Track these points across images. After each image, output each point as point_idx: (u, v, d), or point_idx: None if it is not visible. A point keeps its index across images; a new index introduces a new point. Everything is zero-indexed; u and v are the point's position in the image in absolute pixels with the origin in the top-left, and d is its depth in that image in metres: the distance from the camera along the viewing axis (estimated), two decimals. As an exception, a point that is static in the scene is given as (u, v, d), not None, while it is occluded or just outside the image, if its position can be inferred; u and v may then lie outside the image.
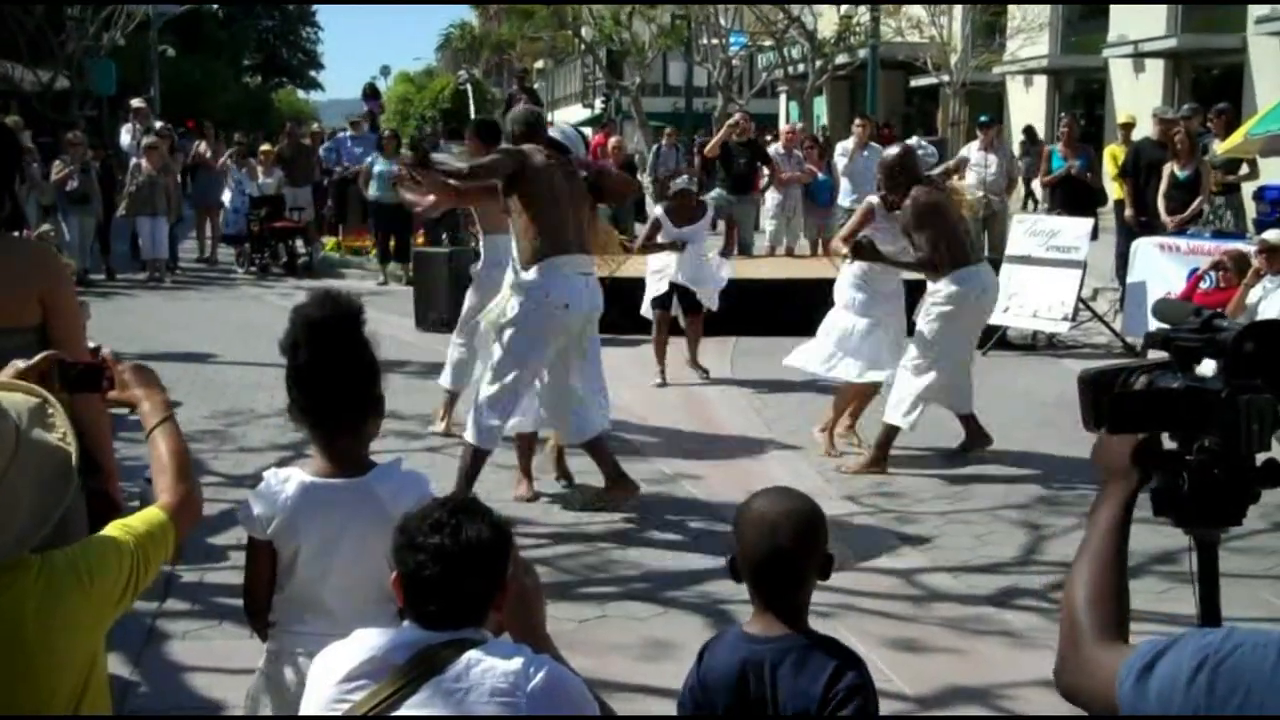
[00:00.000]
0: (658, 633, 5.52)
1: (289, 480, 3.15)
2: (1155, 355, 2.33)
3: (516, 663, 2.31)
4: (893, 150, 8.72)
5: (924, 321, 8.14)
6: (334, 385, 3.14)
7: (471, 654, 2.31)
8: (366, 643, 2.38)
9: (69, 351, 3.04)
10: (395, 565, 2.42)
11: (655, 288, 11.02)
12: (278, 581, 3.19)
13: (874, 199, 9.16)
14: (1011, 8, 29.64)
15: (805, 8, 34.56)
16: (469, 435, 7.24)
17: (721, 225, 11.92)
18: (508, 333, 7.05)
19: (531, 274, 6.97)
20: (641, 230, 11.98)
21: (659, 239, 10.93)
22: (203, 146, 20.57)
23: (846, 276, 8.54)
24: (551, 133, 7.48)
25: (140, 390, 2.81)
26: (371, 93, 24.31)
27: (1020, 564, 6.58)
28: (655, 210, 11.03)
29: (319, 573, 3.13)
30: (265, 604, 3.22)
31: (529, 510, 7.31)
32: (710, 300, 11.02)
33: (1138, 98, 23.87)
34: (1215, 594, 2.40)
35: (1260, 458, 2.09)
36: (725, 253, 11.60)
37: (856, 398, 8.62)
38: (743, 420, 9.71)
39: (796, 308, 11.05)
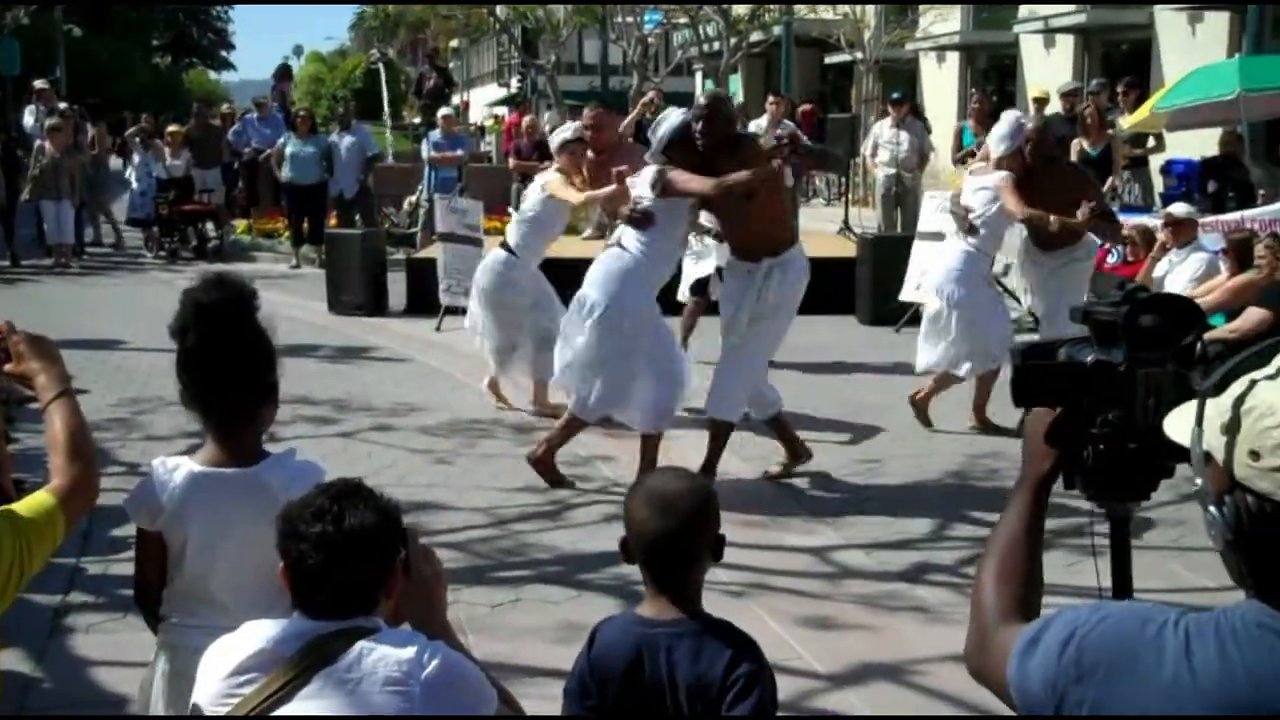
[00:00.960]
0: (571, 616, 5.50)
1: (177, 470, 3.07)
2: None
3: (410, 651, 2.27)
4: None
5: None
6: (224, 371, 3.04)
7: (363, 643, 2.27)
8: (256, 634, 2.34)
9: None
10: (280, 555, 2.37)
11: (694, 271, 10.41)
12: (168, 574, 3.12)
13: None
14: (924, -16, 29.79)
15: (719, -15, 34.54)
16: (751, 412, 7.59)
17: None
18: (787, 308, 7.36)
19: (798, 252, 7.36)
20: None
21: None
22: (90, 132, 20.17)
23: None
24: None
25: (37, 363, 2.70)
26: (283, 74, 24.02)
27: (932, 540, 6.63)
28: None
29: (208, 564, 3.05)
30: (156, 597, 3.14)
31: (441, 494, 7.26)
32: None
33: (1049, 73, 24.09)
34: (1126, 568, 2.42)
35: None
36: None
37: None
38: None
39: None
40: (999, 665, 1.92)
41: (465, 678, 2.34)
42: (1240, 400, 1.73)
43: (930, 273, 12.05)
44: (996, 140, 8.43)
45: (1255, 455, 1.69)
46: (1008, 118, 8.60)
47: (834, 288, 12.94)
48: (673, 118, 7.28)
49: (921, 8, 29.57)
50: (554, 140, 9.06)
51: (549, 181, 8.67)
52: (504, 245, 8.97)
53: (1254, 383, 1.74)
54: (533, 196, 8.89)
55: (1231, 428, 1.72)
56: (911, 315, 12.25)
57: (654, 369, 7.19)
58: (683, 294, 10.51)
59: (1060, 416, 2.20)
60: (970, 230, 8.39)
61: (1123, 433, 2.18)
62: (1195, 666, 1.69)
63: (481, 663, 2.46)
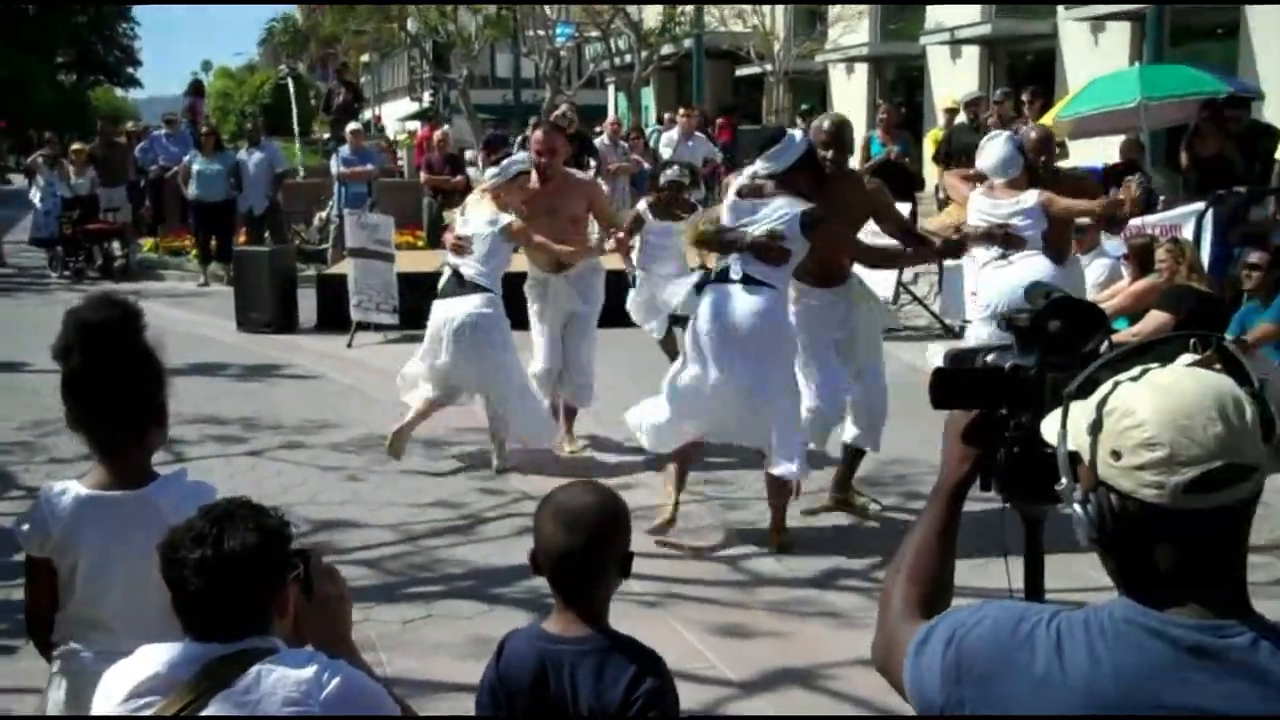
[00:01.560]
0: (484, 630, 5.46)
1: (64, 494, 3.02)
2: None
3: (309, 671, 2.25)
4: None
5: None
6: (109, 392, 3.00)
7: (261, 664, 2.25)
8: (151, 659, 2.31)
9: None
10: (164, 579, 2.34)
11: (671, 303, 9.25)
12: (60, 599, 3.06)
13: (642, 205, 9.40)
14: (831, -4, 30.12)
15: (630, -2, 34.67)
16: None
17: None
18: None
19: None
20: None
21: (638, 237, 9.45)
22: None
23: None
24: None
25: None
26: (196, 89, 23.76)
27: (842, 546, 6.67)
28: (640, 204, 9.82)
29: (100, 589, 3.00)
30: (48, 623, 3.09)
31: (353, 511, 7.20)
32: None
33: (956, 84, 24.41)
34: (1039, 570, 2.46)
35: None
36: None
37: None
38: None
39: (619, 300, 11.06)
40: (898, 663, 1.96)
41: (366, 696, 2.32)
42: (1103, 402, 1.79)
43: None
44: (998, 167, 7.62)
45: (1117, 455, 1.74)
46: (1000, 143, 7.74)
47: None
48: (799, 142, 6.51)
49: (830, 20, 29.83)
50: (507, 169, 8.05)
51: (513, 225, 7.92)
52: (472, 284, 7.92)
53: (1117, 384, 1.80)
54: (484, 233, 7.94)
55: (1095, 428, 1.78)
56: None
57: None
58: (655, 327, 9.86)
59: (976, 419, 2.24)
60: (1012, 244, 7.63)
61: (1034, 436, 2.23)
62: (1065, 663, 1.73)
63: (393, 680, 2.45)
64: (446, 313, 7.89)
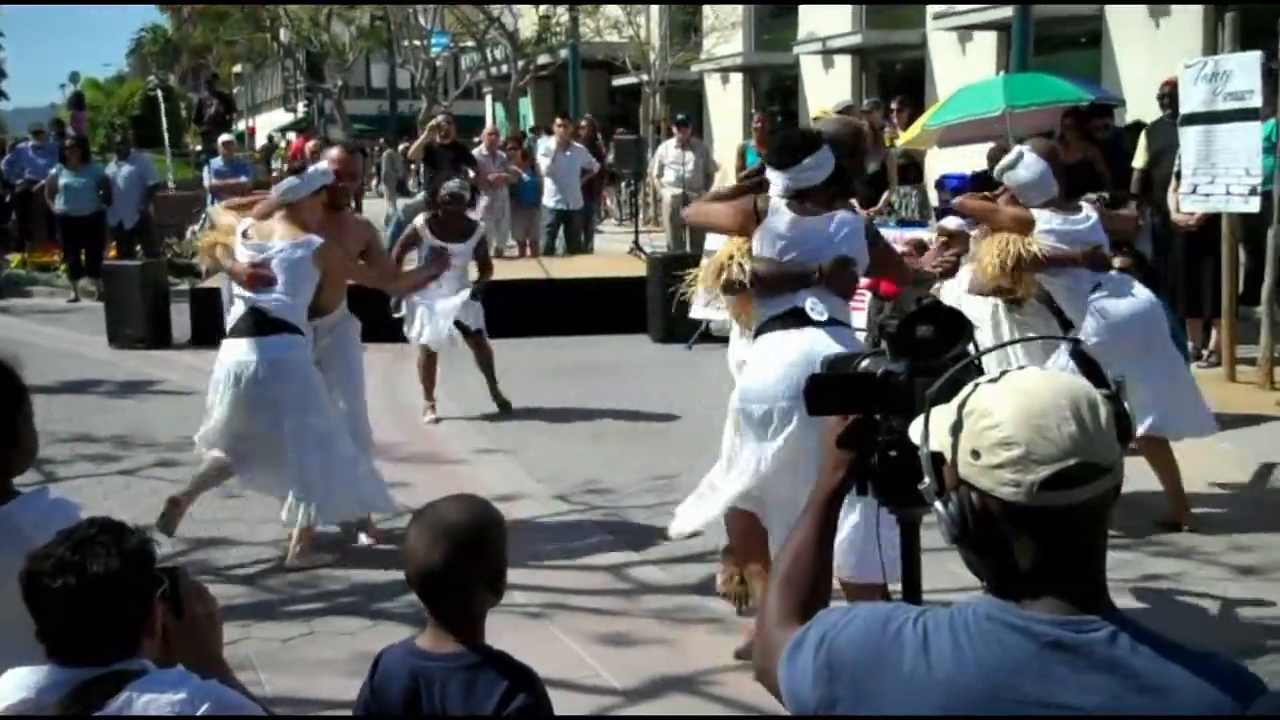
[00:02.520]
0: (367, 646, 5.40)
1: None
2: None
3: (182, 692, 2.23)
4: None
5: None
6: None
7: (132, 687, 2.22)
8: (16, 683, 2.27)
9: None
10: (26, 605, 2.30)
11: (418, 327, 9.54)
12: None
13: (420, 220, 9.27)
14: (706, 7, 30.32)
15: (504, 8, 34.60)
16: None
17: None
18: None
19: None
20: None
21: (416, 253, 9.38)
22: None
23: None
24: None
25: None
26: (77, 102, 23.30)
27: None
28: (417, 220, 9.61)
29: None
30: None
31: (231, 529, 7.10)
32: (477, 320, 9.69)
33: (829, 93, 24.75)
34: (916, 571, 2.52)
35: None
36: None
37: None
38: (452, 425, 9.65)
39: (504, 309, 11.06)
40: (774, 666, 1.99)
41: (240, 715, 2.31)
42: (963, 403, 1.86)
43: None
44: (1033, 188, 6.96)
45: (976, 454, 1.81)
46: (1032, 161, 7.03)
47: (626, 306, 13.11)
48: (829, 160, 5.36)
49: (705, 30, 30.07)
50: (311, 179, 6.71)
51: (329, 246, 6.68)
52: (276, 321, 6.59)
53: (977, 386, 1.87)
54: (291, 257, 6.59)
55: (956, 429, 1.84)
56: (703, 332, 12.44)
57: None
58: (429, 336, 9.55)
59: (850, 424, 2.29)
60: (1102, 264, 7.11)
61: (907, 440, 2.28)
62: (931, 659, 1.78)
63: (273, 699, 2.44)
64: (238, 356, 6.59)
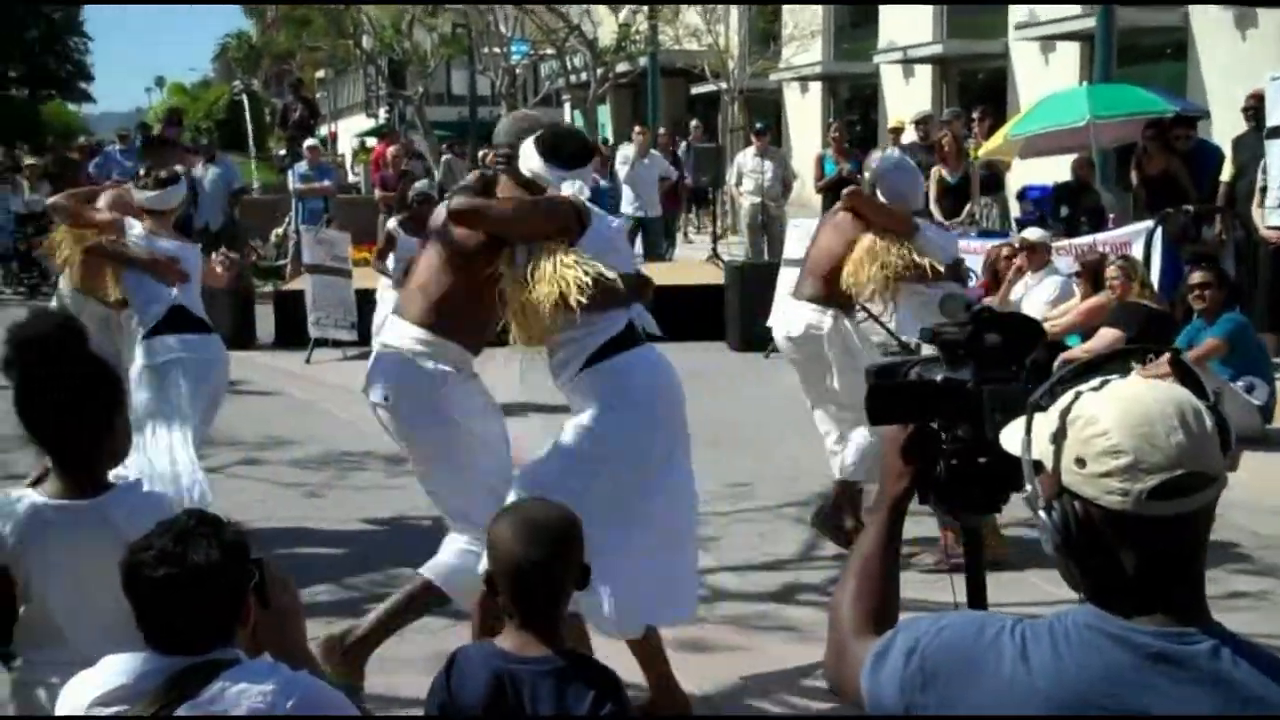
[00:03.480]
0: (447, 645, 5.41)
1: (20, 502, 3.04)
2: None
3: (272, 682, 2.29)
4: None
5: None
6: (50, 405, 3.03)
7: (225, 675, 2.28)
8: (115, 669, 2.34)
9: None
10: (126, 595, 2.37)
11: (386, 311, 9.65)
12: (17, 609, 3.07)
13: (393, 223, 9.48)
14: (785, 15, 30.27)
15: (584, 16, 34.74)
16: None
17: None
18: None
19: None
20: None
21: (392, 256, 9.80)
22: None
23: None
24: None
25: None
26: (172, 119, 23.72)
27: (801, 560, 6.74)
28: (390, 223, 9.90)
29: (53, 598, 3.02)
30: (4, 633, 3.10)
31: (315, 528, 7.20)
32: None
33: (908, 102, 24.63)
34: (981, 578, 2.51)
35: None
36: None
37: None
38: (529, 429, 9.69)
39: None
40: (853, 678, 2.00)
41: (328, 706, 2.36)
42: (1066, 411, 1.84)
43: None
44: (905, 195, 6.88)
45: (1081, 462, 1.80)
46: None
47: (704, 314, 13.13)
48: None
49: (784, 39, 30.01)
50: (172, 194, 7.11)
51: None
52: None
53: (1079, 394, 1.86)
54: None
55: (1058, 436, 1.83)
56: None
57: None
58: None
59: (913, 433, 2.28)
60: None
61: (972, 448, 2.27)
62: (1031, 666, 1.78)
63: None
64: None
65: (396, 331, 4.71)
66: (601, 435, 4.57)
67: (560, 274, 4.47)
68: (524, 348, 4.91)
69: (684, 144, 21.92)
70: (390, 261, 9.77)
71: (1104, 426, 1.79)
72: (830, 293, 6.68)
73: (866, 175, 6.89)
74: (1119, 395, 1.83)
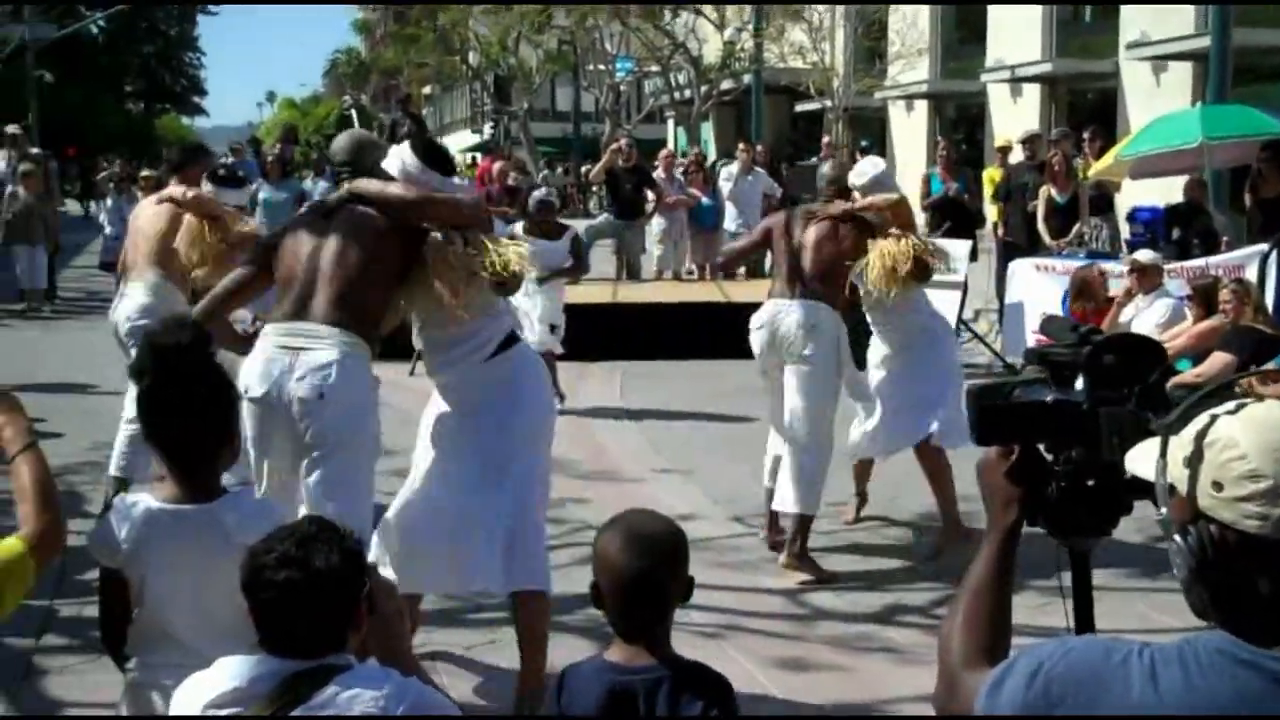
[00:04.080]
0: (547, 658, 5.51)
1: (135, 506, 3.12)
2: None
3: (384, 688, 2.32)
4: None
5: None
6: (179, 412, 3.11)
7: (338, 680, 2.31)
8: (230, 671, 2.37)
9: None
10: (246, 598, 2.41)
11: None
12: (131, 611, 3.15)
13: (518, 229, 9.72)
14: (891, 34, 30.13)
15: (690, 33, 34.85)
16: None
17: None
18: None
19: None
20: None
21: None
22: None
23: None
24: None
25: (2, 416, 2.74)
26: (287, 136, 24.21)
27: (902, 581, 6.67)
28: (514, 228, 10.17)
29: (167, 601, 3.09)
30: (120, 635, 3.17)
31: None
32: (555, 345, 10.28)
33: (1016, 121, 24.38)
34: (1089, 604, 2.46)
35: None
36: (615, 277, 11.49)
37: None
38: (629, 443, 9.74)
39: (684, 331, 11.15)
40: (965, 709, 1.97)
41: (438, 713, 2.38)
42: (1202, 434, 1.81)
43: None
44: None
45: (1218, 486, 1.77)
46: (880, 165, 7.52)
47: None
48: None
49: (890, 57, 29.86)
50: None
51: None
52: None
53: (1215, 418, 1.82)
54: None
55: (1194, 460, 1.80)
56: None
57: None
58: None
59: (1022, 455, 2.25)
60: None
61: (1084, 470, 2.24)
62: (1161, 690, 1.74)
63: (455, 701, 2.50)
64: None
65: None
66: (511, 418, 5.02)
67: (498, 253, 4.87)
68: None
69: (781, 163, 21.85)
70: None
71: (1243, 450, 1.76)
72: (829, 292, 6.95)
73: (859, 182, 7.12)
74: (1257, 419, 1.80)
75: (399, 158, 5.04)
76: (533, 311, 10.03)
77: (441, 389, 5.24)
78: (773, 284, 7.26)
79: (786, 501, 6.87)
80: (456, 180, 5.25)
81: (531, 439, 5.12)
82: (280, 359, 4.64)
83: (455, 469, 5.10)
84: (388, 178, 4.99)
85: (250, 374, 4.65)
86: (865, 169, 7.27)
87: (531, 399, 5.14)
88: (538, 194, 10.87)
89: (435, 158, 5.09)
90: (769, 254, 7.61)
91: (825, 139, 19.34)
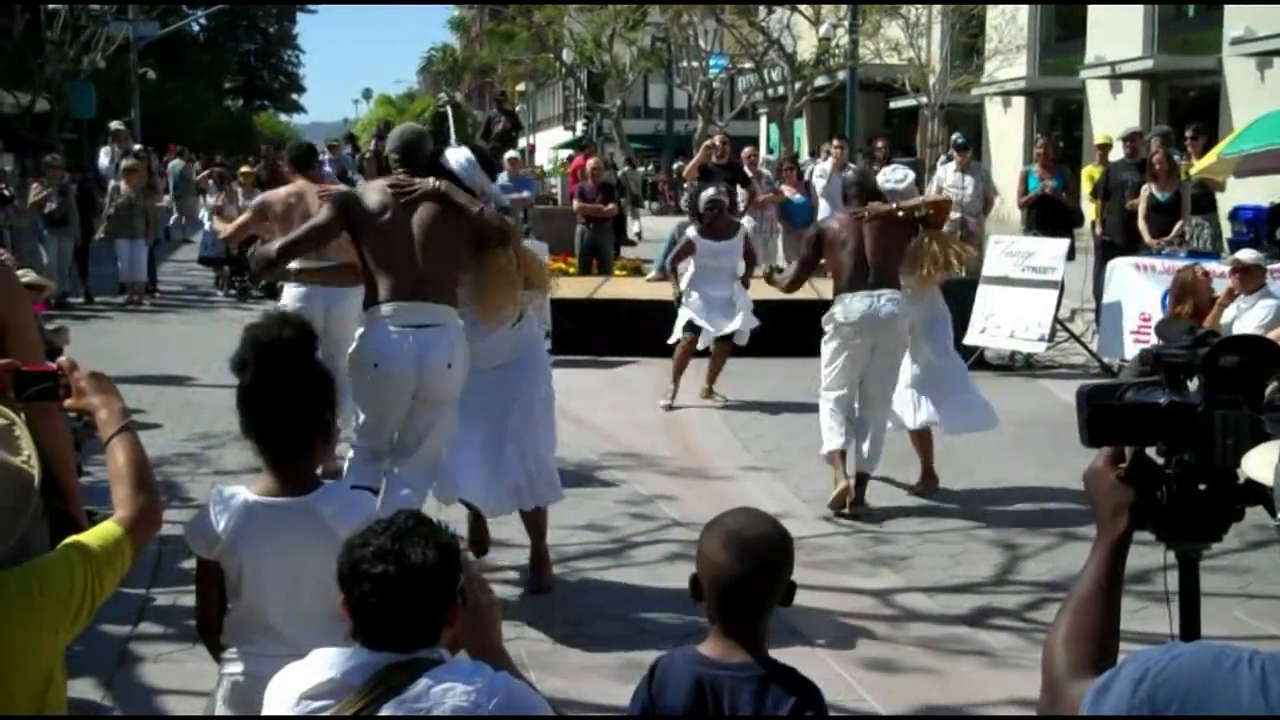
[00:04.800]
0: (633, 653, 5.50)
1: (233, 499, 3.15)
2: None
3: (477, 682, 2.31)
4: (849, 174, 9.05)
5: None
6: (279, 406, 3.14)
7: (431, 674, 2.31)
8: (325, 663, 2.38)
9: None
10: (342, 590, 2.41)
11: (685, 314, 10.77)
12: (227, 602, 3.18)
13: (691, 231, 10.42)
14: (989, 30, 29.77)
15: (784, 30, 34.69)
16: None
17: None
18: None
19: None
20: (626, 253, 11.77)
21: (690, 261, 10.72)
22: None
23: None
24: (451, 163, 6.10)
25: (97, 398, 2.74)
26: (385, 132, 24.55)
27: (995, 584, 6.59)
28: (689, 232, 10.74)
29: (263, 592, 3.12)
30: (216, 625, 3.21)
31: (506, 531, 7.27)
32: (743, 336, 10.79)
33: (1115, 118, 23.98)
34: (1196, 611, 2.41)
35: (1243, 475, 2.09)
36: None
37: None
38: (720, 441, 9.72)
39: (773, 329, 11.09)
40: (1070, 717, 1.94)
41: (530, 708, 2.37)
42: None
43: (994, 316, 12.06)
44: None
45: None
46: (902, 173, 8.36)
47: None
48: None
49: (987, 53, 29.50)
50: None
51: None
52: None
53: None
54: None
55: None
56: (977, 359, 12.21)
57: None
58: (677, 333, 10.73)
59: (1135, 458, 2.20)
60: None
61: (1196, 474, 2.19)
62: (1271, 699, 1.69)
63: (545, 696, 2.49)
64: None
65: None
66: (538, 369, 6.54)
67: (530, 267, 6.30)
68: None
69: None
70: (690, 266, 10.70)
71: None
72: (896, 284, 7.83)
73: (899, 187, 8.04)
74: None
75: (459, 158, 6.10)
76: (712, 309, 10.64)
77: (475, 355, 6.07)
78: (842, 282, 7.88)
79: (870, 463, 7.89)
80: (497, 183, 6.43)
81: (549, 377, 6.57)
82: (409, 336, 5.70)
83: (498, 406, 6.29)
84: (444, 173, 6.00)
85: (380, 350, 5.71)
86: (901, 175, 8.21)
87: (542, 348, 6.68)
88: (708, 193, 10.94)
89: (485, 162, 6.28)
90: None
91: (878, 142, 18.96)
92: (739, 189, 16.59)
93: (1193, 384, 2.23)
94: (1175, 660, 1.80)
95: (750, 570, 2.69)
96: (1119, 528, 2.17)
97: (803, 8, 33.59)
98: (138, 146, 21.57)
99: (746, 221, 16.75)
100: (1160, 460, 2.23)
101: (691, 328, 10.67)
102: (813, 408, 9.93)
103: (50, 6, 28.36)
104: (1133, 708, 1.79)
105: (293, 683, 2.39)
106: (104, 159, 20.76)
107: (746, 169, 17.26)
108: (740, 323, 10.66)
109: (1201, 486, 2.19)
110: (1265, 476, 1.85)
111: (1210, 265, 10.92)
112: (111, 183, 18.37)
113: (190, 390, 11.27)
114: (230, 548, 3.12)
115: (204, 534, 3.15)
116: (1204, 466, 2.15)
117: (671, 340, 10.78)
